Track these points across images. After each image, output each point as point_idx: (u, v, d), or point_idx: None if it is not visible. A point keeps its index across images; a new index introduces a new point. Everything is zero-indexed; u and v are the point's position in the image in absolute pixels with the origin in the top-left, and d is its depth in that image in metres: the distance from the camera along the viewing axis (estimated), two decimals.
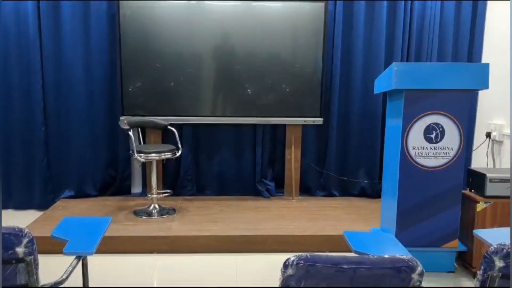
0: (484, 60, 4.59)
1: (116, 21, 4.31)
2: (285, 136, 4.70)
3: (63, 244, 1.99)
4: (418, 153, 3.10)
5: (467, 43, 4.64)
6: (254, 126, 4.67)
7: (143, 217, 4.02)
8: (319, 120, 4.57)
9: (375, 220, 3.92)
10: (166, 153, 4.03)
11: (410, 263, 1.51)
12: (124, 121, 4.08)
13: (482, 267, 1.67)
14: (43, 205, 4.40)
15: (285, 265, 1.51)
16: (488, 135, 4.31)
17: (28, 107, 4.39)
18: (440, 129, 3.07)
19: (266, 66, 4.47)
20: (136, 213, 4.09)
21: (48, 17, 4.32)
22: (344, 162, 4.79)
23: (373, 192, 4.73)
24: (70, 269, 1.82)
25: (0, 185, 4.28)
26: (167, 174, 4.73)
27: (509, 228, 2.70)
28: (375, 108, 4.64)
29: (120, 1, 4.28)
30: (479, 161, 4.52)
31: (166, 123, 4.28)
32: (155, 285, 3.07)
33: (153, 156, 3.97)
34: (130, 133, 4.01)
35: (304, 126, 4.68)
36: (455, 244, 3.20)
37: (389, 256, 1.54)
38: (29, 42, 4.31)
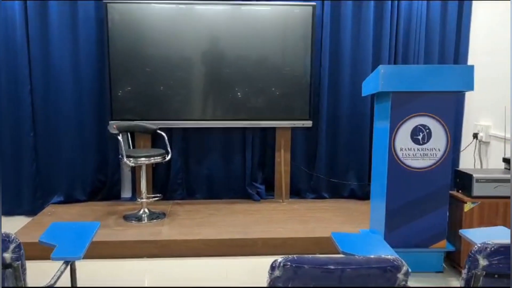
0: (470, 61, 4.64)
1: (105, 25, 4.31)
2: (275, 139, 4.72)
3: (52, 250, 1.99)
4: (405, 154, 3.13)
5: (453, 44, 4.69)
6: (244, 129, 4.68)
7: (133, 221, 4.01)
8: (308, 123, 4.59)
9: (364, 222, 3.95)
10: (155, 157, 4.03)
11: (395, 263, 1.53)
12: (113, 126, 4.08)
13: (466, 266, 1.70)
14: (32, 211, 4.38)
15: (272, 267, 1.52)
16: (475, 136, 4.36)
17: (16, 112, 4.37)
18: (427, 130, 3.11)
19: (256, 69, 4.49)
20: (126, 217, 4.08)
21: (36, 22, 4.30)
22: (334, 164, 4.82)
23: (363, 194, 4.76)
24: (58, 274, 1.82)
25: None
26: (157, 178, 4.72)
27: (494, 228, 2.73)
28: (364, 110, 4.67)
29: (108, 5, 4.28)
30: (467, 162, 4.56)
31: (155, 127, 4.28)
32: (145, 285, 3.07)
33: (143, 161, 3.97)
34: (119, 137, 4.00)
35: (293, 129, 4.70)
36: (443, 245, 3.23)
37: (375, 257, 1.56)
38: (16, 47, 4.29)
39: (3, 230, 1.69)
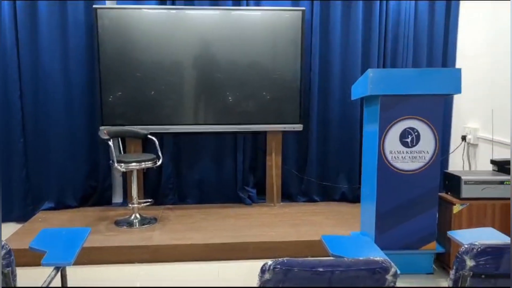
0: (458, 64, 4.69)
1: (94, 30, 4.30)
2: (266, 143, 4.73)
3: (42, 256, 1.98)
4: (395, 157, 3.16)
5: (441, 48, 4.73)
6: (235, 133, 4.69)
7: (124, 227, 4.00)
8: (299, 127, 4.62)
9: (355, 224, 3.97)
10: (146, 162, 4.03)
11: (384, 264, 1.55)
12: (104, 131, 4.07)
13: (454, 267, 1.72)
14: (22, 218, 4.35)
15: (262, 270, 1.54)
16: (464, 138, 4.40)
17: (5, 118, 4.35)
18: (416, 133, 3.14)
19: (246, 73, 4.51)
20: (117, 223, 4.08)
21: (25, 27, 4.29)
22: (325, 167, 4.84)
23: (354, 197, 4.78)
24: (48, 280, 1.82)
25: None
26: (148, 184, 4.72)
27: (482, 229, 2.77)
28: (354, 114, 4.70)
29: (98, 10, 4.28)
30: (455, 164, 4.61)
31: (146, 132, 4.28)
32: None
33: (134, 166, 3.97)
34: (110, 143, 4.00)
35: (284, 133, 4.72)
36: (433, 246, 3.26)
37: (364, 258, 1.58)
38: (6, 52, 4.27)
39: None
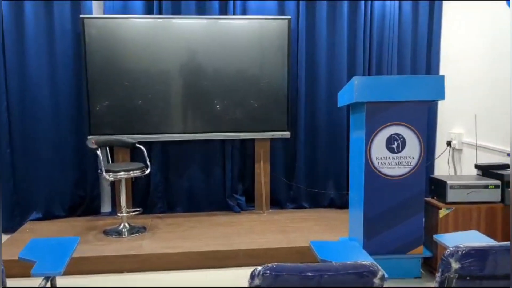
0: (441, 69, 4.77)
1: (82, 40, 4.31)
2: (254, 150, 4.76)
3: (32, 266, 1.98)
4: (381, 163, 3.20)
5: (425, 53, 4.80)
6: (223, 141, 4.71)
7: (113, 236, 3.99)
8: (286, 134, 4.65)
9: (344, 230, 4.00)
10: (135, 171, 4.03)
11: (371, 268, 1.58)
12: (92, 141, 4.07)
13: (440, 269, 1.76)
14: (10, 229, 4.30)
15: (252, 276, 1.56)
16: (449, 143, 4.47)
17: None
18: (401, 139, 3.19)
19: (234, 82, 4.54)
20: (106, 232, 4.06)
21: (12, 37, 4.28)
22: (313, 174, 4.88)
23: (342, 203, 4.82)
24: None
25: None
26: (136, 192, 4.71)
27: (468, 232, 2.82)
28: (341, 121, 4.75)
29: (85, 20, 4.28)
30: (441, 169, 4.67)
31: (134, 141, 4.28)
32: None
33: (122, 175, 3.96)
34: (98, 152, 4.00)
35: (272, 140, 4.75)
36: (421, 250, 3.30)
37: (352, 262, 1.61)
38: None
39: None
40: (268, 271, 1.54)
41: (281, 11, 4.64)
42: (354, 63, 4.72)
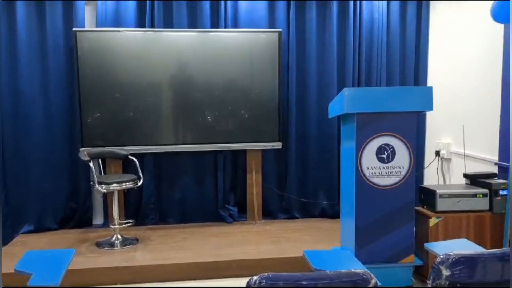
0: (429, 83, 4.85)
1: (74, 53, 4.33)
2: (246, 161, 4.79)
3: (27, 279, 1.99)
4: (372, 173, 3.25)
5: (412, 66, 4.89)
6: (215, 152, 4.74)
7: (106, 248, 3.99)
8: (278, 145, 4.69)
9: (335, 240, 4.03)
10: (127, 183, 4.04)
11: (364, 276, 1.62)
12: (84, 153, 4.08)
13: (431, 277, 1.79)
14: (1, 241, 4.28)
15: (248, 285, 1.58)
16: (437, 153, 4.54)
17: None
18: (391, 149, 3.24)
19: (225, 93, 4.58)
20: (99, 244, 4.06)
21: (5, 50, 4.30)
22: (304, 184, 4.92)
23: (333, 213, 4.86)
24: None
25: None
26: (129, 204, 4.71)
27: (457, 240, 2.87)
28: (331, 131, 4.81)
29: (78, 33, 4.31)
30: (430, 178, 4.74)
31: (126, 153, 4.29)
32: None
33: (115, 186, 3.98)
34: (91, 164, 4.01)
35: (263, 151, 4.79)
36: (412, 259, 3.34)
37: (345, 271, 1.64)
38: None
39: None
40: (264, 280, 1.57)
41: (272, 23, 4.70)
42: (344, 74, 4.79)
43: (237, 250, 3.93)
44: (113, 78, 4.41)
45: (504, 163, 3.55)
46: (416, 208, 3.44)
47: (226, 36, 4.57)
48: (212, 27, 4.61)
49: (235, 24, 4.66)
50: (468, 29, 4.12)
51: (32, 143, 4.41)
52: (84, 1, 4.45)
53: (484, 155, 3.84)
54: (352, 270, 1.64)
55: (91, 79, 4.37)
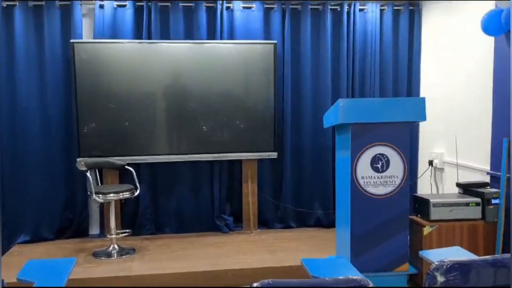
0: (422, 93, 4.93)
1: (72, 64, 4.37)
2: (241, 171, 4.83)
3: None
4: (366, 182, 3.30)
5: (406, 76, 4.95)
6: (211, 162, 4.77)
7: (103, 258, 4.00)
8: (273, 154, 4.74)
9: (331, 249, 4.06)
10: (124, 193, 4.07)
11: (362, 282, 1.66)
12: (81, 163, 4.10)
13: (426, 283, 1.84)
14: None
15: None
16: (431, 163, 4.61)
17: None
18: (385, 159, 3.30)
19: (220, 103, 4.63)
20: (96, 254, 4.07)
21: (3, 62, 4.33)
22: (299, 194, 4.96)
23: (328, 222, 4.89)
24: None
25: None
26: (125, 214, 4.72)
27: (451, 248, 2.92)
28: (326, 141, 4.86)
29: (75, 45, 4.36)
30: (424, 187, 4.79)
31: (123, 163, 4.31)
32: None
33: (112, 197, 4.00)
34: (88, 174, 4.03)
35: (259, 161, 4.83)
36: (406, 268, 3.38)
37: (343, 278, 1.68)
38: None
39: None
40: (265, 287, 1.60)
41: (267, 35, 4.77)
42: (338, 85, 4.86)
43: (233, 259, 3.96)
44: (110, 88, 4.45)
45: (496, 173, 3.62)
46: (410, 217, 3.49)
47: (222, 47, 4.63)
48: (208, 38, 4.68)
49: (231, 36, 4.73)
50: (460, 40, 4.20)
51: (29, 153, 4.43)
52: (81, 13, 4.50)
53: (477, 165, 3.90)
54: (350, 276, 1.68)
55: (88, 89, 4.41)
